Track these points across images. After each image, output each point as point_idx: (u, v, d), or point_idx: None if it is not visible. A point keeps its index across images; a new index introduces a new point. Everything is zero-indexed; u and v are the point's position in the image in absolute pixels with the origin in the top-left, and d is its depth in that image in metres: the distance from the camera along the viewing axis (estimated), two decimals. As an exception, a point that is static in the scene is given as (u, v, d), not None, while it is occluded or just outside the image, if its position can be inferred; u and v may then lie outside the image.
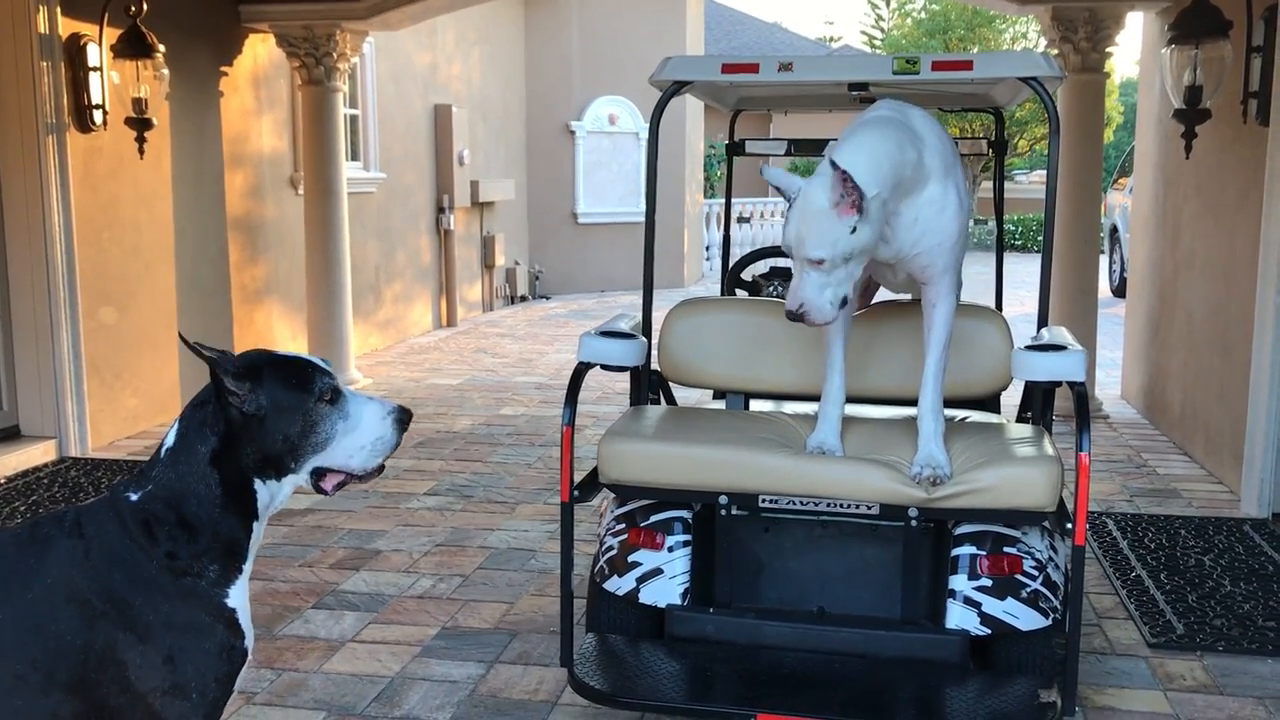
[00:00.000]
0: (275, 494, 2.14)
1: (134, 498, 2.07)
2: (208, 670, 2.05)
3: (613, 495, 3.39)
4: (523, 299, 13.91)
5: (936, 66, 3.30)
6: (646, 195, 3.71)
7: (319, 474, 2.17)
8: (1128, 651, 3.86)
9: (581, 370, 3.18)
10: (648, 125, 14.70)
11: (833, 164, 2.75)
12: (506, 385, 8.61)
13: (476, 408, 7.77)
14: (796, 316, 2.83)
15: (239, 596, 2.11)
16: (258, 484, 2.10)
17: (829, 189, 2.75)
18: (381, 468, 2.22)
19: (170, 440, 2.10)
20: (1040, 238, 21.14)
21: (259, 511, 2.12)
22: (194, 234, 7.50)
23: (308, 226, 8.34)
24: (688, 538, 3.21)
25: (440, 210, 11.58)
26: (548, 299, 14.25)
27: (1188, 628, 4.02)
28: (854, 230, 2.78)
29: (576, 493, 3.16)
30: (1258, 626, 4.03)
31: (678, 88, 3.59)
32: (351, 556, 4.76)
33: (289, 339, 8.64)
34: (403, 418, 2.20)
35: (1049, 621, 3.02)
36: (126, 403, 6.89)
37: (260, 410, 2.06)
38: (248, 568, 2.14)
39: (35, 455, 6.18)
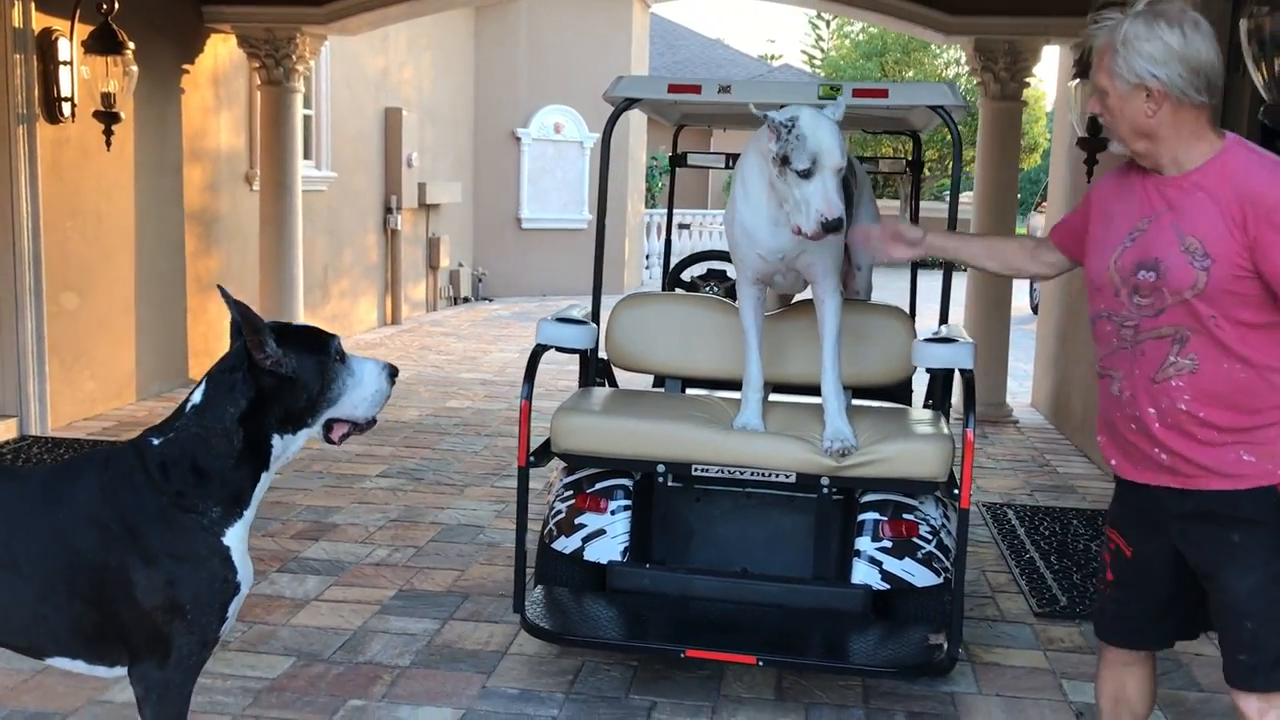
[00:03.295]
0: (289, 446, 2.47)
1: (156, 443, 2.41)
2: (202, 595, 2.36)
3: (562, 466, 3.79)
4: (465, 300, 14.23)
5: (857, 94, 3.74)
6: (598, 199, 4.11)
7: (328, 425, 2.52)
8: (1016, 619, 4.33)
9: (538, 351, 3.58)
10: (594, 135, 15.19)
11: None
12: (452, 380, 8.95)
13: (424, 400, 8.10)
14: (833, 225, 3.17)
15: (235, 537, 2.41)
16: (275, 439, 2.43)
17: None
18: (375, 420, 2.58)
19: (196, 399, 2.41)
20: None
21: (270, 463, 2.46)
22: (153, 225, 7.75)
23: (262, 222, 8.61)
24: (628, 503, 3.61)
25: (388, 210, 11.88)
26: (490, 301, 14.59)
27: (1070, 601, 4.51)
28: None
29: (532, 459, 3.55)
30: (1131, 600, 4.52)
31: (628, 103, 3.99)
32: (311, 529, 5.09)
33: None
34: (394, 372, 2.58)
35: (941, 579, 3.47)
36: (84, 386, 7.12)
37: (293, 372, 2.39)
38: (249, 514, 2.44)
39: (-3, 432, 6.41)
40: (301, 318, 8.84)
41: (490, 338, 11.43)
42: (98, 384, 7.25)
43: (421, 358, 10.05)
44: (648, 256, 17.95)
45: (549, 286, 15.28)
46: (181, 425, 2.40)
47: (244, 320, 2.33)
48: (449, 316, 13.00)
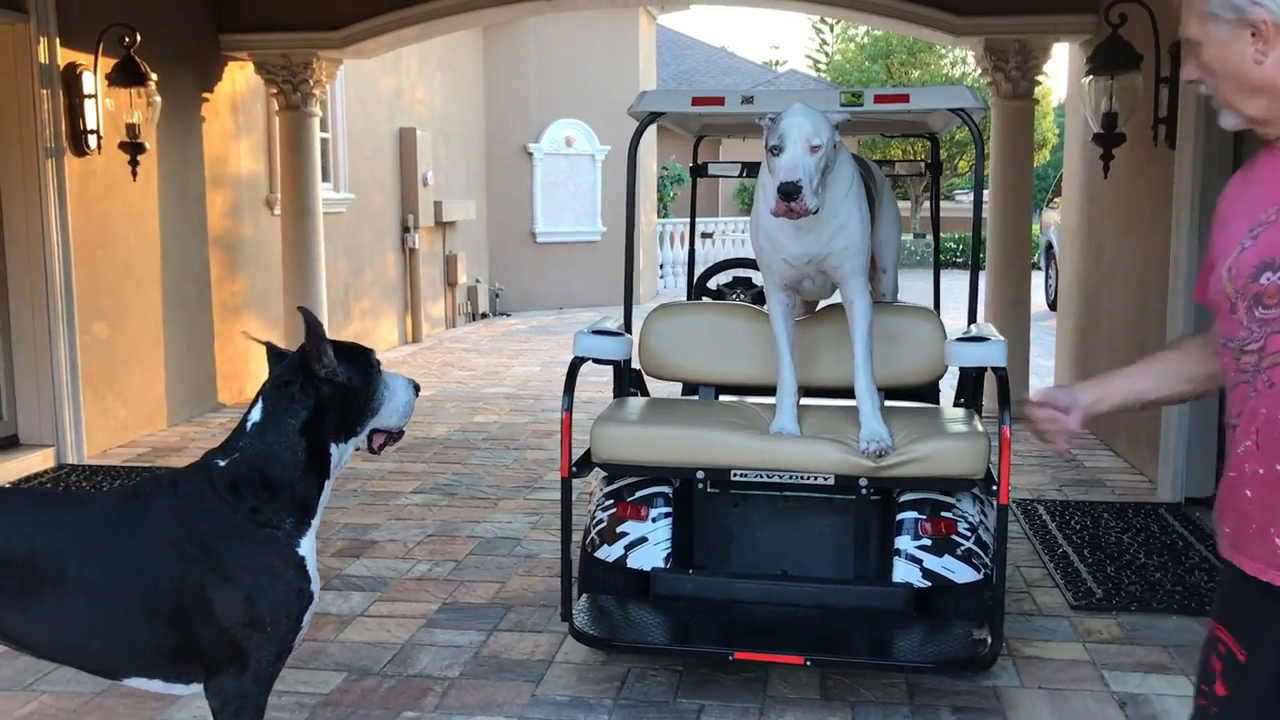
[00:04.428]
0: (342, 455, 2.58)
1: (222, 464, 2.49)
2: (280, 607, 2.46)
3: (601, 476, 3.85)
4: (483, 316, 14.33)
5: (878, 99, 3.81)
6: (627, 211, 4.19)
7: (369, 435, 2.64)
8: (1053, 613, 4.37)
9: (576, 364, 3.64)
10: (605, 148, 15.29)
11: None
12: (477, 396, 9.03)
13: (450, 416, 8.18)
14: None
15: (308, 546, 2.54)
16: (332, 447, 2.53)
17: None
18: (403, 431, 2.73)
19: (256, 416, 2.51)
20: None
21: (330, 471, 2.55)
22: (178, 252, 7.86)
23: (285, 245, 8.71)
24: (669, 510, 3.67)
25: (405, 230, 11.98)
26: (508, 316, 14.68)
27: (1106, 593, 4.55)
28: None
29: (575, 469, 3.61)
30: (1166, 590, 4.56)
31: (653, 117, 4.06)
32: (350, 546, 5.16)
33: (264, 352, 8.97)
34: (417, 387, 2.76)
35: (980, 575, 3.52)
36: (117, 413, 7.22)
37: (351, 381, 2.49)
38: (316, 522, 2.56)
39: (34, 462, 6.50)
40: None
41: (510, 352, 11.51)
42: (130, 411, 7.35)
43: (445, 374, 10.13)
44: (661, 266, 18.04)
45: (564, 299, 15.36)
46: (245, 444, 2.49)
47: (309, 329, 2.45)
48: (468, 332, 13.09)
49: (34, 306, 6.57)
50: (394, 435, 2.72)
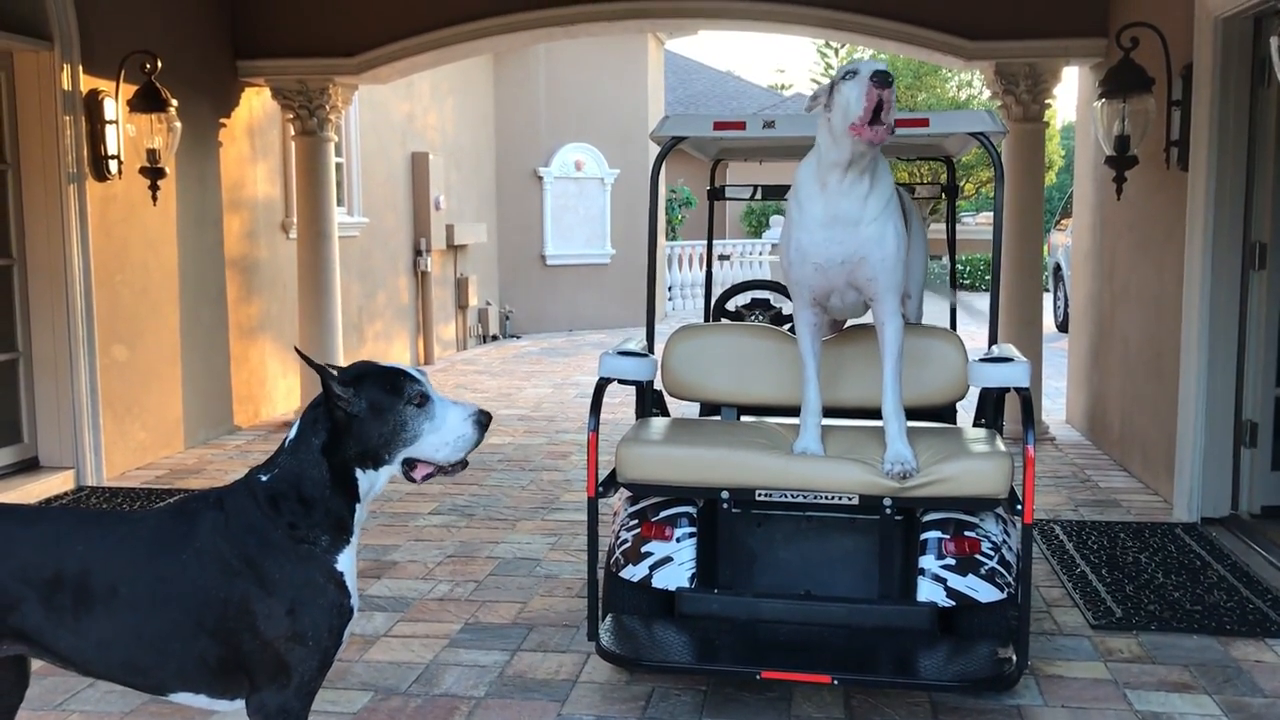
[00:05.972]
0: (374, 481, 2.59)
1: (264, 479, 2.54)
2: (321, 621, 2.50)
3: (625, 496, 3.88)
4: (494, 338, 14.38)
5: (899, 124, 3.85)
6: (649, 233, 4.24)
7: (410, 464, 2.62)
8: (1074, 632, 4.39)
9: (602, 384, 3.69)
10: (615, 171, 15.38)
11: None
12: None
13: (465, 438, 8.20)
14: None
15: (346, 563, 2.57)
16: (358, 472, 2.55)
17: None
18: (465, 462, 2.65)
19: (292, 434, 2.56)
20: (988, 277, 21.86)
21: (360, 495, 2.58)
22: (196, 275, 7.92)
23: (301, 269, 8.77)
24: (693, 530, 3.70)
25: (418, 253, 12.05)
26: (518, 338, 14.72)
27: (1125, 612, 4.56)
28: None
29: (601, 489, 3.65)
30: (1185, 610, 4.58)
31: (675, 141, 4.12)
32: (371, 567, 5.18)
33: (280, 375, 9.05)
34: (482, 420, 2.62)
35: (1004, 594, 3.54)
36: (136, 436, 7.26)
37: (360, 412, 2.51)
38: (354, 540, 2.59)
39: (55, 484, 6.54)
40: (341, 361, 8.98)
41: (523, 374, 11.56)
42: (148, 434, 7.39)
43: (458, 396, 10.15)
44: (670, 288, 18.12)
45: (574, 321, 15.42)
46: (283, 461, 2.54)
47: (312, 367, 2.50)
48: (479, 355, 13.14)
49: (55, 330, 6.63)
50: (446, 469, 2.61)
